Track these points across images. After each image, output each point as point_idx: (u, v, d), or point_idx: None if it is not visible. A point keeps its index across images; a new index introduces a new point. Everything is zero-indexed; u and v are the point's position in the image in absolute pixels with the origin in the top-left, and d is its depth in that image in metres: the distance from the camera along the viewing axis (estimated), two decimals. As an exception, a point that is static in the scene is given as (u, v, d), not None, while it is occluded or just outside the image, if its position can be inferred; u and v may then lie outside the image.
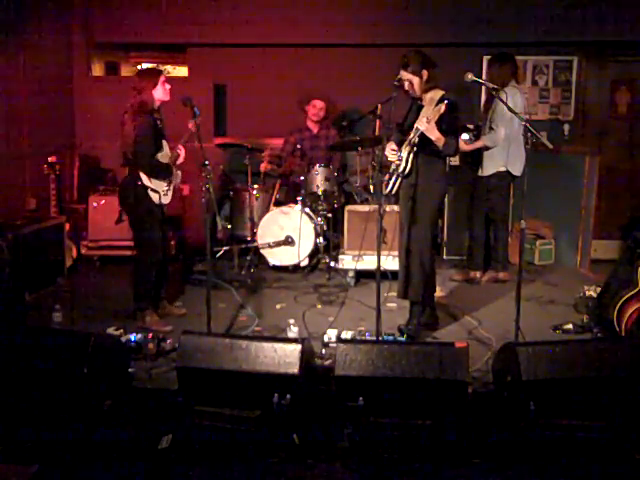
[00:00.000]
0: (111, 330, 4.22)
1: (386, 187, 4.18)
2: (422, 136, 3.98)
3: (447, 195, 5.69)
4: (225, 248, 5.87)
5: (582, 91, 6.88)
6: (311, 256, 5.93)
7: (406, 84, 4.07)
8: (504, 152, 5.33)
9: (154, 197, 4.38)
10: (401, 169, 4.10)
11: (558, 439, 3.06)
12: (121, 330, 4.21)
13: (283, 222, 5.84)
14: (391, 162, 4.17)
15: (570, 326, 4.45)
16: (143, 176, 4.34)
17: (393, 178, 4.16)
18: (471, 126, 5.88)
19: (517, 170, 5.34)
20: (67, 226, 5.61)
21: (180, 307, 4.84)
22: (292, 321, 4.30)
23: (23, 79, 5.88)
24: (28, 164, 5.93)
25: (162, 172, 4.43)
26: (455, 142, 4.05)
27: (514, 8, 6.48)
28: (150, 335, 4.06)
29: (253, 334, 4.37)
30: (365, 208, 5.60)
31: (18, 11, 5.80)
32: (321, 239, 5.87)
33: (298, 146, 6.18)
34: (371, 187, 5.89)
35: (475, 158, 5.60)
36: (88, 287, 5.48)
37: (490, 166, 5.41)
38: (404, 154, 4.08)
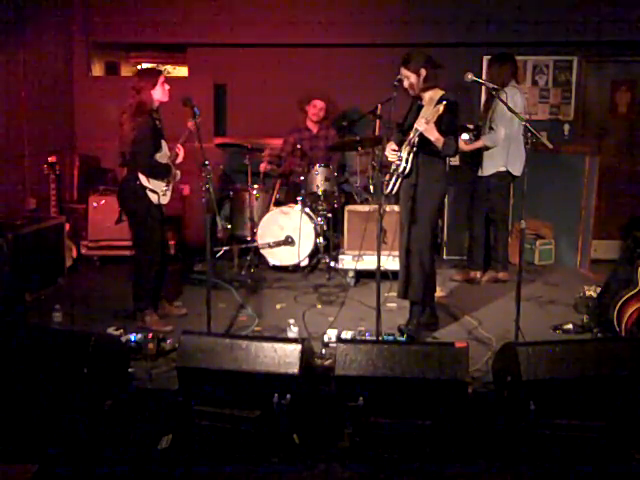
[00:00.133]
0: (111, 330, 4.22)
1: (386, 187, 4.19)
2: (422, 136, 3.98)
3: (447, 195, 5.68)
4: (225, 248, 5.87)
5: (582, 91, 6.89)
6: (311, 256, 5.93)
7: (405, 81, 4.08)
8: (504, 152, 5.33)
9: (153, 198, 4.37)
10: (401, 169, 4.10)
11: (558, 439, 3.06)
12: (121, 330, 4.20)
13: (283, 222, 5.84)
14: (391, 162, 4.17)
15: (570, 326, 4.44)
16: (141, 177, 4.34)
17: (393, 178, 4.16)
18: (471, 126, 5.88)
19: (517, 170, 5.34)
20: (67, 226, 5.61)
21: (180, 307, 4.84)
22: (292, 321, 4.30)
23: (23, 79, 5.88)
24: (28, 164, 5.93)
25: (161, 172, 4.42)
26: (455, 142, 4.04)
27: (514, 8, 6.48)
28: (150, 335, 4.06)
29: (253, 334, 4.36)
30: (365, 208, 5.60)
31: (18, 11, 5.80)
32: (321, 239, 5.87)
33: (298, 146, 6.18)
34: (371, 187, 5.89)
35: (475, 158, 5.60)
36: (88, 287, 5.48)
37: (490, 166, 5.41)
38: (404, 154, 4.08)
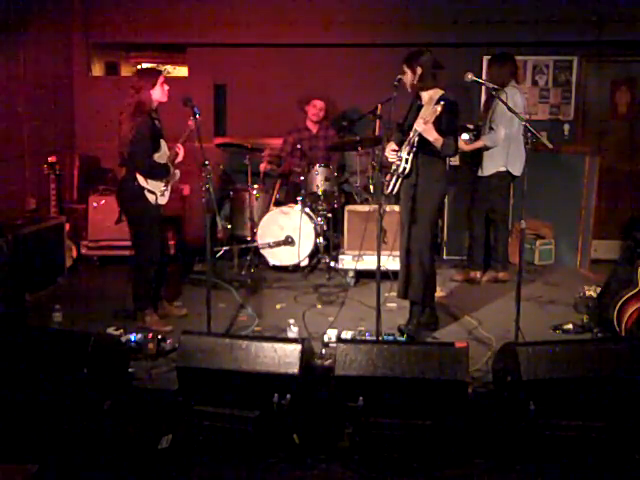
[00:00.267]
0: (111, 330, 4.22)
1: (387, 188, 4.19)
2: (421, 137, 3.98)
3: (447, 195, 5.68)
4: (225, 248, 5.87)
5: (582, 91, 6.88)
6: (311, 256, 5.93)
7: (404, 77, 4.11)
8: (504, 152, 5.33)
9: (151, 198, 4.36)
10: (401, 169, 4.10)
11: (558, 439, 3.06)
12: (121, 330, 4.20)
13: (283, 222, 5.84)
14: (391, 162, 4.17)
15: (570, 326, 4.44)
16: (139, 177, 4.32)
17: (394, 179, 4.16)
18: (471, 126, 5.89)
19: (517, 170, 5.34)
20: (67, 226, 5.61)
21: (180, 307, 4.84)
22: (292, 321, 4.29)
23: (23, 79, 5.88)
24: (28, 164, 5.93)
25: (159, 173, 4.39)
26: (454, 142, 4.05)
27: (514, 8, 6.48)
28: (150, 335, 4.06)
29: (253, 334, 4.36)
30: (365, 208, 5.60)
31: (18, 11, 5.80)
32: (321, 239, 5.87)
33: (298, 146, 6.18)
34: (371, 187, 5.90)
35: (475, 158, 5.60)
36: (88, 287, 5.48)
37: (490, 166, 5.41)
38: (404, 154, 4.08)
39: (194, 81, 6.80)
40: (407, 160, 4.07)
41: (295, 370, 3.14)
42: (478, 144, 5.45)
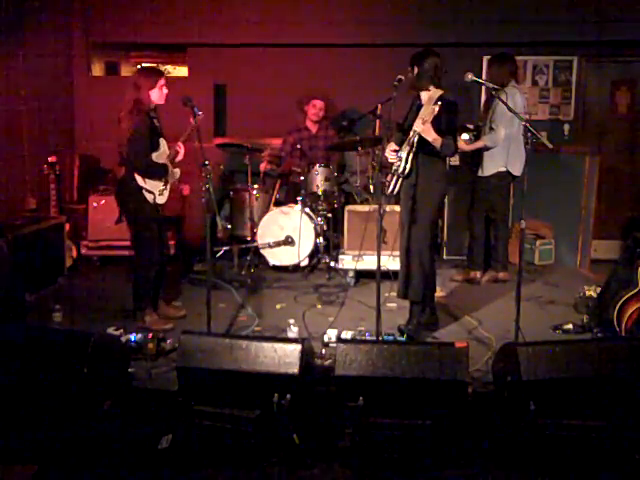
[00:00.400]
0: (111, 330, 4.22)
1: (387, 188, 4.19)
2: (421, 137, 3.99)
3: (447, 195, 5.69)
4: (225, 248, 5.87)
5: (582, 91, 6.88)
6: (311, 256, 5.93)
7: (407, 76, 4.13)
8: (504, 152, 5.33)
9: (149, 197, 4.35)
10: (400, 169, 4.10)
11: (558, 439, 3.06)
12: (121, 330, 4.20)
13: (283, 222, 5.84)
14: (392, 162, 4.17)
15: (570, 326, 4.44)
16: (137, 177, 4.31)
17: (394, 179, 4.16)
18: (471, 126, 5.89)
19: (517, 170, 5.33)
20: (67, 226, 5.61)
21: (179, 308, 4.82)
22: (292, 321, 4.30)
23: (23, 79, 5.88)
24: (28, 164, 5.93)
25: (157, 172, 4.37)
26: (453, 142, 4.05)
27: (514, 8, 6.48)
28: (150, 335, 4.06)
29: (253, 334, 4.36)
30: (365, 208, 5.60)
31: (18, 11, 5.80)
32: (321, 239, 5.88)
33: (298, 146, 6.18)
34: (371, 187, 5.90)
35: (475, 158, 5.60)
36: (88, 287, 5.48)
37: (490, 166, 5.41)
38: (403, 154, 4.08)
39: (194, 81, 6.80)
40: (407, 160, 4.07)
41: (295, 370, 3.14)
42: (478, 144, 5.45)
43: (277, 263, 5.92)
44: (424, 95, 4.15)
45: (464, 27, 6.54)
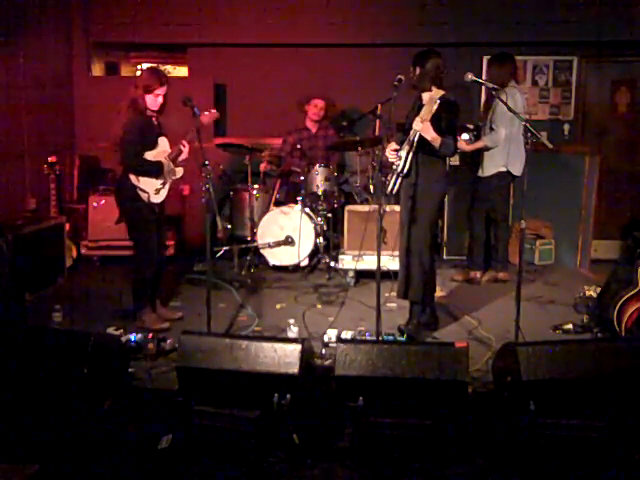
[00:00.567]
0: (111, 330, 4.22)
1: (387, 187, 4.19)
2: (421, 136, 3.99)
3: (447, 195, 5.69)
4: (225, 248, 5.86)
5: (582, 91, 6.88)
6: (311, 256, 5.93)
7: (409, 75, 4.15)
8: (504, 152, 5.32)
9: (143, 197, 4.31)
10: (400, 168, 4.10)
11: (558, 439, 3.06)
12: (121, 330, 4.20)
13: (283, 222, 5.84)
14: (392, 162, 4.18)
15: (570, 326, 4.44)
16: (131, 175, 4.29)
17: (394, 178, 4.16)
18: (471, 126, 5.89)
19: (517, 170, 5.33)
20: (67, 226, 5.61)
21: (176, 310, 4.77)
22: (292, 321, 4.30)
23: (23, 79, 5.88)
24: (28, 164, 5.93)
25: (149, 171, 4.31)
26: (453, 142, 4.05)
27: (514, 8, 6.48)
28: (150, 335, 4.06)
29: (253, 334, 4.36)
30: (365, 208, 5.60)
31: (18, 11, 5.80)
32: (321, 239, 5.87)
33: (298, 146, 6.18)
34: (371, 187, 5.90)
35: (475, 158, 5.60)
36: (88, 287, 5.48)
37: (490, 166, 5.41)
38: (403, 153, 4.09)
39: (194, 81, 6.81)
40: (406, 159, 4.07)
41: (295, 370, 3.14)
42: (479, 144, 5.45)
43: (277, 263, 5.92)
44: (425, 95, 4.15)
45: (464, 27, 6.54)
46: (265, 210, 6.06)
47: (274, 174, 6.41)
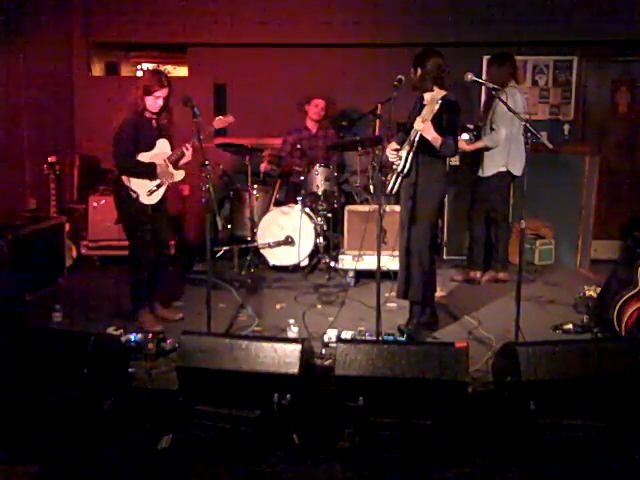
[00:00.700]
0: (111, 330, 4.22)
1: (387, 186, 4.19)
2: (422, 136, 3.99)
3: (447, 195, 5.68)
4: (225, 248, 5.87)
5: (582, 91, 6.88)
6: (311, 256, 5.93)
7: (410, 75, 4.15)
8: (504, 152, 5.32)
9: (134, 197, 4.28)
10: (400, 168, 4.10)
11: (558, 439, 3.06)
12: (121, 330, 4.20)
13: (283, 222, 5.84)
14: (392, 162, 4.18)
15: (570, 326, 4.44)
16: (123, 176, 4.27)
17: (394, 177, 4.16)
18: (471, 126, 5.89)
19: (517, 170, 5.33)
20: (67, 226, 5.61)
21: (177, 311, 4.75)
22: (292, 321, 4.29)
23: (23, 79, 5.88)
24: (28, 164, 5.93)
25: (139, 172, 4.26)
26: (454, 142, 4.04)
27: (514, 8, 6.48)
28: (150, 335, 4.06)
29: (253, 334, 4.36)
30: (365, 208, 5.60)
31: (18, 11, 5.80)
32: (321, 239, 5.87)
33: (298, 146, 6.18)
34: (371, 187, 5.90)
35: (475, 158, 5.60)
36: (88, 287, 5.48)
37: (491, 166, 5.41)
38: (403, 153, 4.09)
39: (194, 81, 6.80)
40: (406, 159, 4.07)
41: (295, 370, 3.14)
42: (479, 144, 5.45)
43: (277, 263, 5.92)
44: (427, 95, 4.15)
45: (464, 27, 6.54)
46: (265, 210, 6.06)
47: (274, 174, 6.41)
